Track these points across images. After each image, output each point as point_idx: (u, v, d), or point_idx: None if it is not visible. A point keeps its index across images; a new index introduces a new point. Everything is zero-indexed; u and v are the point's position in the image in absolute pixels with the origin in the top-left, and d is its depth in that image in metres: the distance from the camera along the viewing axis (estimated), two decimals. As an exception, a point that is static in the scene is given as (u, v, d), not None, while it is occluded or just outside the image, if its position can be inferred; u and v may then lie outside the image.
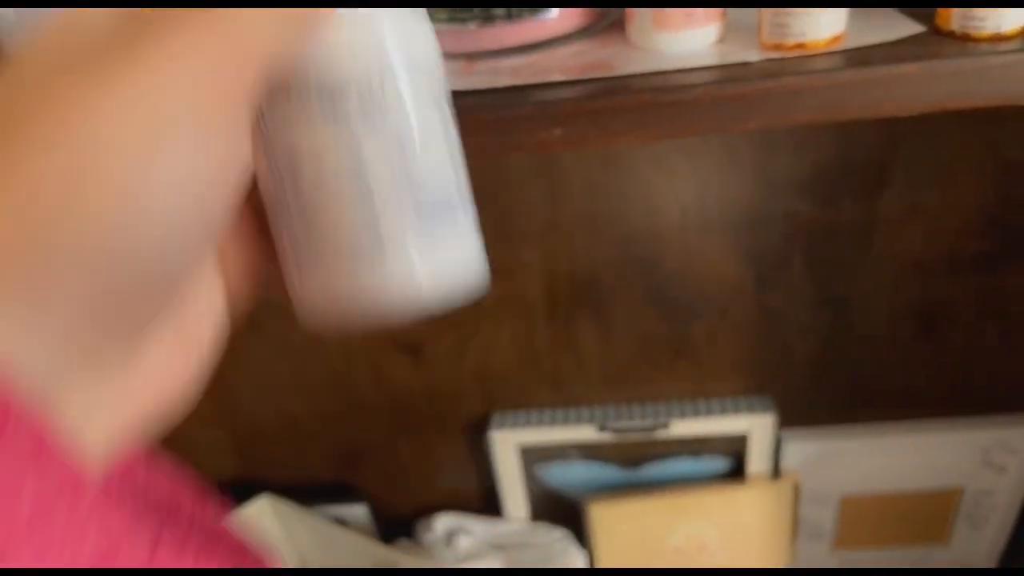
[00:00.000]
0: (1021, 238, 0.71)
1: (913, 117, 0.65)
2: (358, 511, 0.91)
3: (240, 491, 0.89)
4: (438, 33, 0.26)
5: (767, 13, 0.38)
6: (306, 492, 0.90)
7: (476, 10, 0.41)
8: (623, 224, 0.73)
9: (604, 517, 0.86)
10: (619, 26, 0.44)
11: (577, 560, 0.87)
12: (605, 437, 0.83)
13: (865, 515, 0.86)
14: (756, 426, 0.81)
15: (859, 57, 0.37)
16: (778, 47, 0.38)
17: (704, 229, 0.73)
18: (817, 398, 0.82)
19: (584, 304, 0.78)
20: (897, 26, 0.39)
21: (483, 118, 0.38)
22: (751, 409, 0.81)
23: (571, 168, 0.70)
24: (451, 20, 0.41)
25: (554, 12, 0.42)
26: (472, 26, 0.41)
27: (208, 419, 0.87)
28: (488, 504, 0.92)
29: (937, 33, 0.38)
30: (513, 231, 0.73)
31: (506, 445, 0.84)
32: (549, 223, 0.73)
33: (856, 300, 0.75)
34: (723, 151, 0.68)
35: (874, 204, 0.70)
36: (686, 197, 0.71)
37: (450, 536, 0.90)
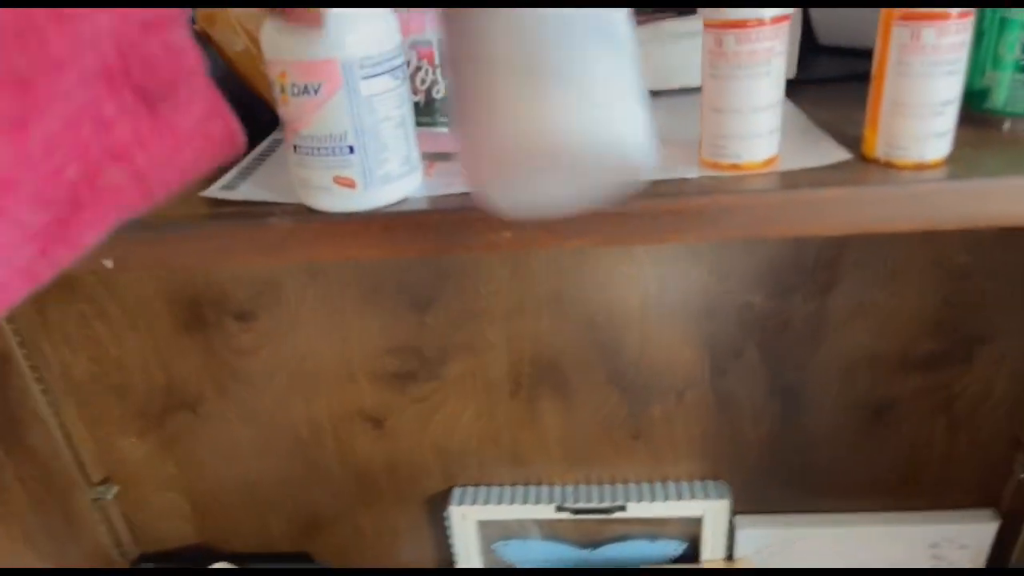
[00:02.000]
0: (966, 340, 0.73)
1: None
2: (314, 582, 0.90)
3: (197, 557, 0.88)
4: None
5: (707, 134, 0.41)
6: (264, 560, 0.89)
7: (442, 116, 0.44)
8: (587, 309, 0.75)
9: (560, 597, 0.86)
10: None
11: (531, 640, 0.86)
12: (563, 517, 0.84)
13: (818, 605, 0.87)
14: (711, 510, 0.82)
15: (789, 180, 0.40)
16: (716, 165, 0.41)
17: (664, 317, 0.75)
18: (770, 485, 0.83)
19: (547, 384, 0.79)
20: (826, 152, 0.42)
21: (436, 219, 0.40)
22: (707, 493, 0.82)
23: (539, 253, 0.73)
24: (420, 124, 0.43)
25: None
26: (441, 129, 0.44)
27: (167, 483, 0.87)
28: (445, 579, 0.92)
29: (863, 160, 0.41)
30: (480, 311, 0.75)
31: (465, 520, 0.85)
32: (516, 305, 0.75)
33: (807, 391, 0.78)
34: (683, 245, 0.71)
35: (825, 301, 0.73)
36: (648, 286, 0.73)
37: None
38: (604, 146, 0.26)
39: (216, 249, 0.41)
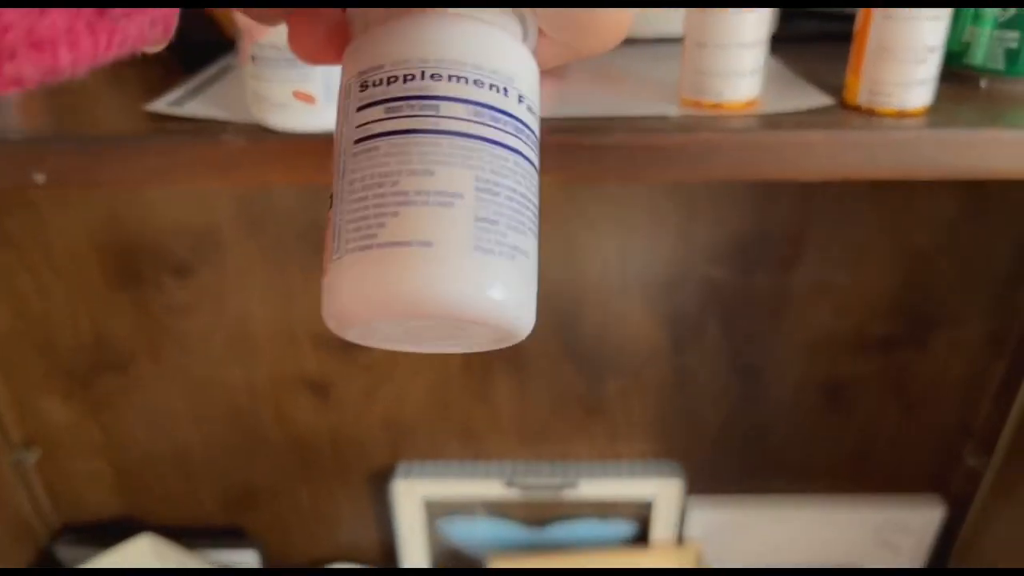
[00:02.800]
0: (924, 322, 0.74)
1: (826, 197, 0.68)
2: (247, 557, 0.86)
3: (123, 529, 0.83)
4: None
5: (688, 71, 0.40)
6: (193, 533, 0.85)
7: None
8: (545, 278, 0.73)
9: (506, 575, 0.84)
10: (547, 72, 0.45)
11: (474, 621, 0.84)
12: (512, 493, 0.81)
13: (764, 589, 0.86)
14: (662, 491, 0.81)
15: (771, 121, 0.39)
16: (696, 104, 0.40)
17: (623, 289, 0.73)
18: (723, 466, 0.83)
19: (501, 356, 0.77)
20: (808, 97, 0.41)
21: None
22: (659, 473, 0.81)
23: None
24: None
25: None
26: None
27: (93, 448, 0.82)
28: (387, 557, 0.89)
29: (845, 107, 0.40)
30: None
31: (410, 496, 0.82)
32: (471, 270, 0.72)
33: (766, 370, 0.77)
34: (646, 214, 0.70)
35: (787, 278, 0.72)
36: (608, 255, 0.72)
37: (343, 588, 0.86)
38: (453, 307, 0.19)
39: (160, 168, 0.38)
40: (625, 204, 0.69)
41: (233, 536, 0.87)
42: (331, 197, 0.21)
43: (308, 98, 0.35)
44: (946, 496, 0.81)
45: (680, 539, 0.84)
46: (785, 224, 0.70)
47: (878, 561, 0.83)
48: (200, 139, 0.37)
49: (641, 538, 0.84)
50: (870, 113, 0.39)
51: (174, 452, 0.82)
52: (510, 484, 0.81)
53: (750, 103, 0.40)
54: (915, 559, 0.83)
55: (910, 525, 0.81)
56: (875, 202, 0.68)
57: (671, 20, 0.50)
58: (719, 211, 0.69)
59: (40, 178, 0.39)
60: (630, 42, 0.51)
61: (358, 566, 0.88)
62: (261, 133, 0.37)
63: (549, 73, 0.44)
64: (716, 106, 0.39)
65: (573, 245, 0.71)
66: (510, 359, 0.77)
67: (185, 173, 0.37)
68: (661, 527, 0.83)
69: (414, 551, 0.86)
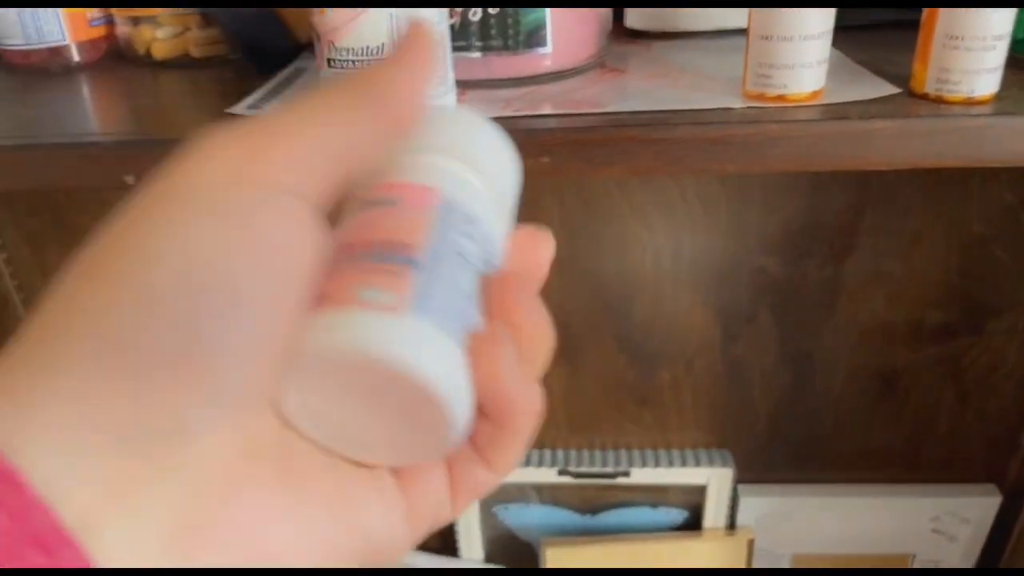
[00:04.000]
0: (979, 310, 0.73)
1: (880, 186, 0.68)
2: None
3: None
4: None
5: (752, 64, 0.40)
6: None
7: (478, 41, 0.42)
8: (597, 269, 0.74)
9: (559, 561, 0.85)
10: (608, 66, 0.46)
11: (528, 606, 0.85)
12: (565, 481, 0.83)
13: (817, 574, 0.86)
14: (715, 478, 0.81)
15: (836, 112, 0.39)
16: (760, 97, 0.40)
17: (675, 280, 0.74)
18: (775, 454, 0.83)
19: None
20: (874, 86, 0.41)
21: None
22: (711, 462, 0.81)
23: (551, 210, 0.71)
24: (455, 49, 0.42)
25: (549, 48, 0.43)
26: (475, 55, 0.43)
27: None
28: (444, 543, 0.91)
29: (912, 95, 0.41)
30: (489, 267, 0.73)
31: (465, 483, 0.84)
32: (525, 262, 0.73)
33: (818, 359, 0.77)
34: (699, 205, 0.70)
35: (840, 267, 0.72)
36: (660, 247, 0.72)
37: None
38: (400, 369, 0.19)
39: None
40: (676, 195, 0.70)
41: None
42: None
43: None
44: (1002, 485, 0.80)
45: (732, 526, 0.84)
46: (838, 213, 0.70)
47: (933, 550, 0.83)
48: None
49: (693, 525, 0.85)
50: (938, 101, 0.39)
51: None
52: (563, 472, 0.82)
53: (815, 93, 0.40)
54: (971, 548, 0.82)
55: (966, 514, 0.80)
56: (929, 190, 0.68)
57: (729, 14, 0.51)
58: (771, 201, 0.70)
59: (130, 179, 0.41)
60: (688, 35, 0.52)
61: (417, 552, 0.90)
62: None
63: (611, 70, 0.44)
64: (781, 98, 0.40)
65: (625, 236, 0.72)
66: (562, 349, 0.78)
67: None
68: (712, 515, 0.83)
69: (469, 536, 0.87)
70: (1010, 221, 0.69)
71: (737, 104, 0.40)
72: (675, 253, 0.73)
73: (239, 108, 0.41)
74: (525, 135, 0.39)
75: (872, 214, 0.69)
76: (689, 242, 0.72)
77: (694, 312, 0.76)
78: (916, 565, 0.84)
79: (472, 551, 0.89)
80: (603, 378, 0.80)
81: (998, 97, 0.40)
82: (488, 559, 0.90)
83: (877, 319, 0.74)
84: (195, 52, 0.52)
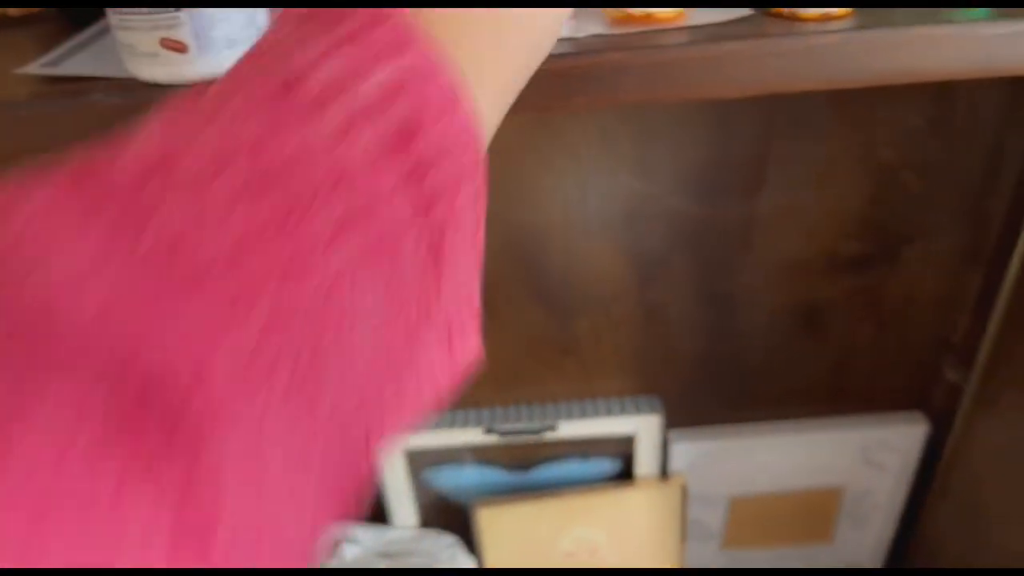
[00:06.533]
0: (895, 239, 0.71)
1: (785, 117, 0.65)
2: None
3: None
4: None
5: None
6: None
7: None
8: (505, 222, 0.71)
9: (493, 521, 0.84)
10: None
11: (466, 566, 0.84)
12: (492, 439, 0.81)
13: (752, 515, 0.86)
14: (643, 426, 0.80)
15: (694, 35, 0.36)
16: (627, 18, 0.37)
17: (587, 228, 0.71)
18: (702, 398, 0.82)
19: (467, 302, 0.75)
20: (732, 9, 0.38)
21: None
22: (638, 409, 0.80)
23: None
24: None
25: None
26: None
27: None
28: (376, 511, 0.89)
29: (767, 14, 0.38)
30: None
31: (391, 450, 0.81)
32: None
33: (738, 298, 0.75)
34: (600, 147, 0.67)
35: (752, 203, 0.70)
36: (567, 193, 0.69)
37: (335, 545, 0.86)
38: None
39: (40, 132, 0.36)
40: (578, 139, 0.67)
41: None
42: None
43: (178, 46, 0.33)
44: (928, 412, 0.80)
45: (664, 473, 0.83)
46: (745, 148, 0.67)
47: (864, 481, 0.83)
48: (73, 101, 0.34)
49: (625, 475, 0.84)
50: (792, 19, 0.36)
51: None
52: (489, 431, 0.80)
53: (679, 14, 0.37)
54: (901, 477, 0.82)
55: (894, 443, 0.80)
56: (837, 119, 0.65)
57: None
58: (676, 139, 0.67)
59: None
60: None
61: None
62: (136, 89, 0.35)
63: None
64: (648, 17, 0.37)
65: (531, 186, 0.69)
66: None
67: (65, 137, 0.35)
68: (644, 463, 0.82)
69: (401, 503, 0.86)
70: (921, 146, 0.66)
71: (601, 29, 0.37)
72: (583, 200, 0.70)
73: (32, 67, 0.37)
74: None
75: (779, 146, 0.67)
76: (597, 188, 0.69)
77: (607, 257, 0.73)
78: (847, 497, 0.84)
79: (405, 518, 0.87)
80: (522, 332, 0.78)
81: (858, 12, 0.37)
82: (423, 524, 0.88)
83: (793, 253, 0.72)
84: (13, 12, 0.47)
